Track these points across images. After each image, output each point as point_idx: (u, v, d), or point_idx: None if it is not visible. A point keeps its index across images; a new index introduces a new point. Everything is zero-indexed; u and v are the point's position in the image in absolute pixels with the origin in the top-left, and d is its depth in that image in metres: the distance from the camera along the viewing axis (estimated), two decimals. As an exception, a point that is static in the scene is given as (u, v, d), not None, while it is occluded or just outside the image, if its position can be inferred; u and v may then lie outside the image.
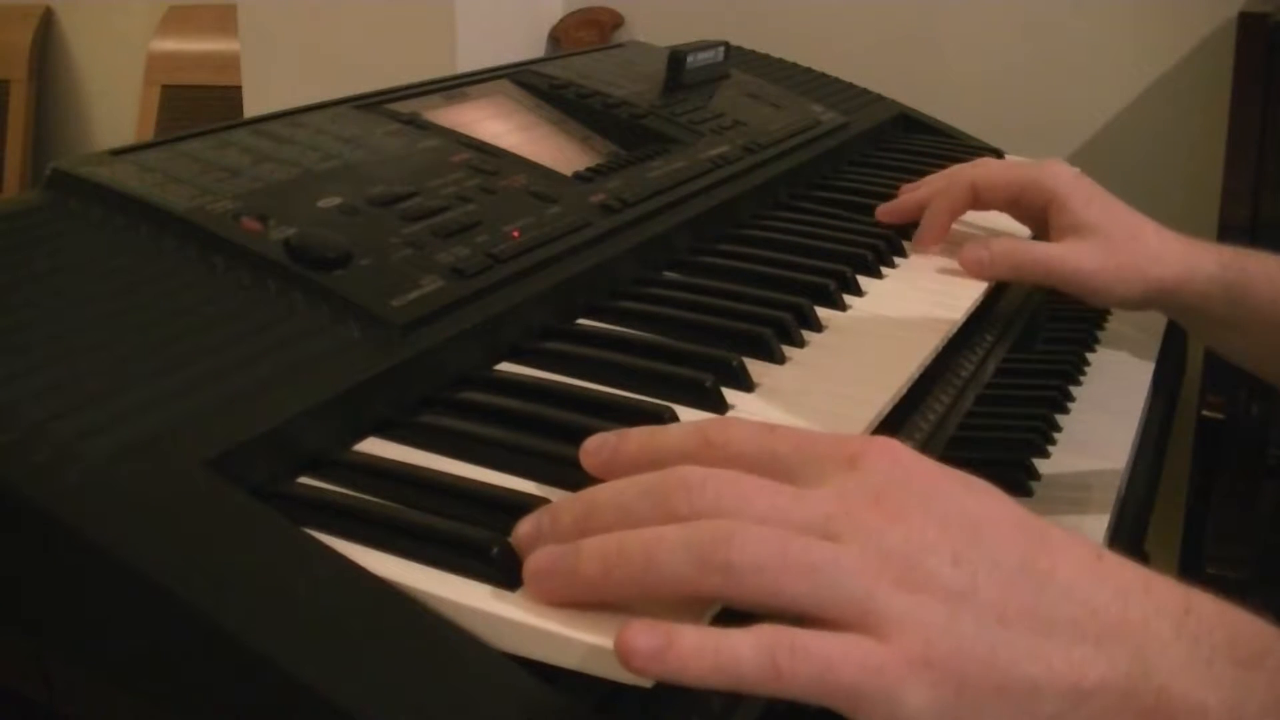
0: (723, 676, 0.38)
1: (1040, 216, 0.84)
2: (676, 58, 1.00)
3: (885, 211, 0.88)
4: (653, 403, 0.56)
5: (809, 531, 0.40)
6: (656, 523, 0.41)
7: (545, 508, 0.45)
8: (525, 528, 0.44)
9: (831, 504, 0.41)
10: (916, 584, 0.39)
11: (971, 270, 0.80)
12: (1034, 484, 0.88)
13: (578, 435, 0.48)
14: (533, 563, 0.42)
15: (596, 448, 0.47)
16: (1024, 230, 0.89)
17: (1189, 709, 0.39)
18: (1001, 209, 0.87)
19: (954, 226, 0.86)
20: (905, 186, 0.90)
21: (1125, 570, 0.41)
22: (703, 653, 0.38)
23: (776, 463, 0.44)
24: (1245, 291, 0.78)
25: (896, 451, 0.44)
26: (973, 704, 0.38)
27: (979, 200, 0.85)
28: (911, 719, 0.38)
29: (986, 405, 0.94)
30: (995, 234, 0.88)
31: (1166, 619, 0.40)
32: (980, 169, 0.87)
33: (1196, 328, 0.88)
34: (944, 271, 0.81)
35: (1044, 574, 0.40)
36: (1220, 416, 1.13)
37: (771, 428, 0.46)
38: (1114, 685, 0.39)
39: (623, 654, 0.38)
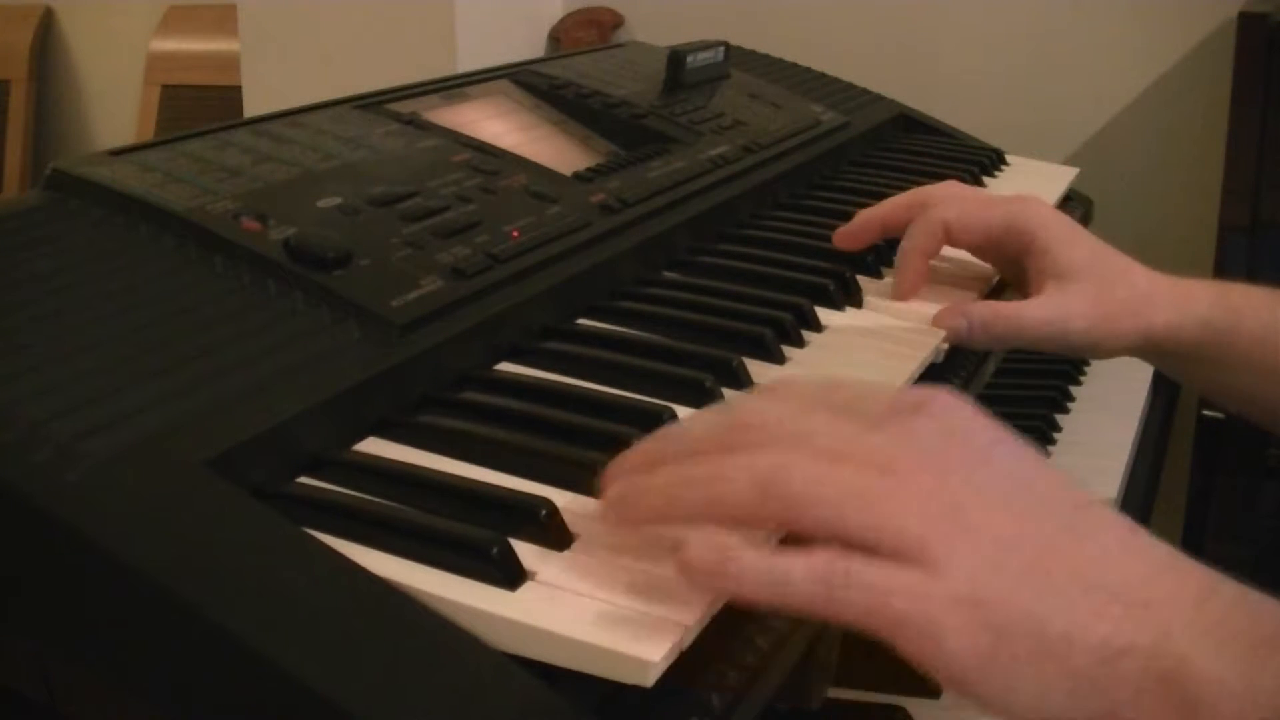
0: (775, 596, 0.41)
1: (1018, 260, 0.76)
2: (676, 58, 1.00)
3: (842, 236, 0.78)
4: (653, 403, 0.56)
5: (869, 466, 0.42)
6: (724, 453, 0.43)
7: (623, 452, 0.47)
8: (609, 468, 0.47)
9: (893, 442, 0.43)
10: (970, 526, 0.41)
11: (949, 338, 0.71)
12: (1034, 484, 0.88)
13: (578, 435, 0.48)
14: (610, 491, 0.45)
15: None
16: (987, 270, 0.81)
17: (1208, 680, 0.40)
18: (975, 251, 0.79)
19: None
20: (861, 211, 0.80)
21: (1157, 548, 0.43)
22: (758, 570, 0.41)
23: (839, 409, 0.46)
24: (1234, 330, 0.73)
25: (960, 403, 0.46)
26: (1009, 649, 0.40)
27: (951, 240, 0.76)
28: (951, 656, 0.40)
29: (986, 405, 0.94)
30: (964, 273, 0.80)
31: (1190, 597, 0.41)
32: (951, 207, 0.76)
33: (1185, 373, 0.80)
34: (944, 271, 0.81)
35: (1085, 537, 0.42)
36: (1220, 416, 1.13)
37: (834, 383, 0.48)
38: (1141, 649, 0.40)
39: (682, 568, 0.41)
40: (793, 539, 0.42)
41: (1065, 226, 0.75)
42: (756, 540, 0.43)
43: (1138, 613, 0.41)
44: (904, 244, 0.76)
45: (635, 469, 0.46)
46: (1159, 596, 0.41)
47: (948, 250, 0.78)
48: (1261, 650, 0.40)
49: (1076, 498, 0.44)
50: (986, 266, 0.81)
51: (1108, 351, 0.76)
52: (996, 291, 0.81)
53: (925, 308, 0.73)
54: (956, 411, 0.45)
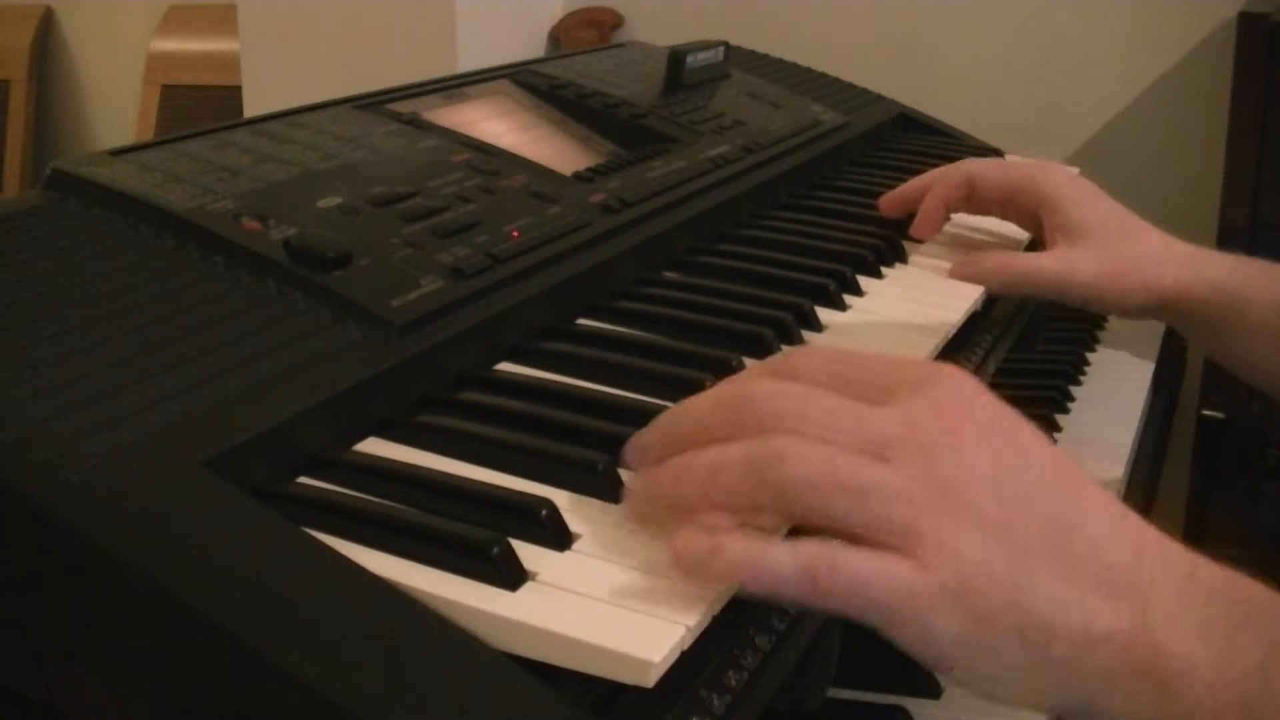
0: (764, 584, 0.41)
1: (1034, 219, 0.83)
2: (676, 58, 1.00)
3: (886, 201, 0.87)
4: (653, 403, 0.56)
5: (864, 452, 0.42)
6: (727, 435, 0.44)
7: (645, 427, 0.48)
8: (628, 446, 0.48)
9: (890, 426, 0.43)
10: (958, 515, 0.42)
11: (961, 278, 0.78)
12: (1034, 484, 0.88)
13: (578, 435, 0.48)
14: (634, 483, 0.47)
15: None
16: (1022, 235, 0.88)
17: (1178, 665, 0.41)
18: (995, 208, 0.85)
19: (953, 231, 0.86)
20: (907, 183, 0.89)
21: (1144, 531, 0.44)
22: (746, 559, 0.41)
23: (844, 383, 0.46)
24: (1248, 300, 0.76)
25: (963, 379, 0.46)
26: (993, 637, 0.41)
27: (974, 193, 0.83)
28: (937, 643, 0.41)
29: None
30: (989, 242, 0.87)
31: (1172, 580, 0.42)
32: (979, 164, 0.86)
33: (1197, 335, 0.86)
34: (944, 272, 0.81)
35: (1074, 525, 0.43)
36: (1220, 416, 1.13)
37: (845, 354, 0.48)
38: (1118, 637, 0.41)
39: (674, 556, 0.42)
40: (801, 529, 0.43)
41: (1081, 188, 0.81)
42: (754, 530, 0.43)
43: (1119, 599, 0.41)
44: (931, 189, 0.83)
45: (647, 451, 0.47)
46: (1141, 581, 0.42)
47: (981, 221, 0.87)
48: (1234, 631, 0.41)
49: (1069, 478, 0.44)
50: (1014, 238, 0.87)
51: (1117, 307, 0.80)
52: None
53: (925, 308, 0.74)
54: (959, 389, 0.45)
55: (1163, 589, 0.42)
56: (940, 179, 0.84)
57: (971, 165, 0.85)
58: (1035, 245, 0.88)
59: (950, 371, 0.46)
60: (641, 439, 0.48)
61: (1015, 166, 0.86)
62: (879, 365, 0.47)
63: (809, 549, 0.41)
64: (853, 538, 0.42)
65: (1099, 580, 0.42)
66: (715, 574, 0.42)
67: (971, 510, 0.42)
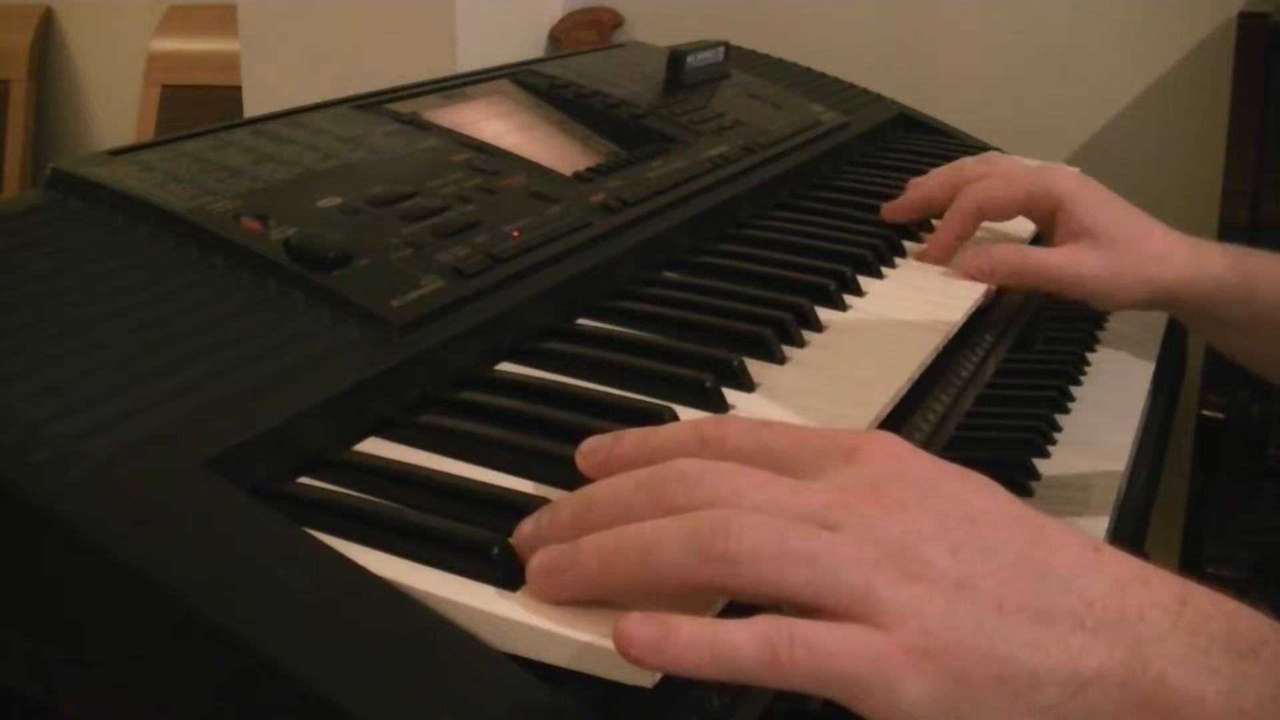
0: (721, 667, 0.39)
1: (1048, 222, 0.84)
2: (676, 58, 1.00)
3: (889, 209, 0.87)
4: (653, 403, 0.56)
5: (807, 521, 0.40)
6: (654, 516, 0.41)
7: (545, 507, 0.45)
8: (526, 528, 0.44)
9: (829, 495, 0.41)
10: (915, 574, 0.40)
11: (972, 277, 0.80)
12: (1034, 484, 0.88)
13: (578, 435, 0.48)
14: (534, 562, 0.42)
15: (592, 449, 0.47)
16: (1024, 230, 0.89)
17: (1187, 699, 0.39)
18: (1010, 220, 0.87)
19: None
20: (911, 182, 0.89)
21: (1122, 562, 0.42)
22: (700, 643, 0.38)
23: (773, 457, 0.44)
24: (1251, 293, 0.78)
25: (893, 445, 0.44)
26: (972, 694, 0.39)
27: (986, 218, 0.84)
28: (910, 709, 0.38)
29: (986, 405, 0.94)
30: (998, 237, 0.88)
31: (1163, 610, 0.40)
32: (985, 188, 0.84)
33: (1200, 327, 0.88)
34: (944, 272, 0.81)
35: (1041, 565, 0.40)
36: (1220, 416, 1.13)
37: (767, 424, 0.46)
38: (1111, 675, 0.39)
39: (621, 644, 0.38)
40: (735, 608, 0.41)
41: (1089, 190, 0.83)
42: (697, 608, 0.41)
43: (1106, 634, 0.39)
44: (941, 227, 0.84)
45: (556, 534, 0.43)
46: (1128, 612, 0.40)
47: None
48: (1239, 660, 0.39)
49: (1031, 524, 0.42)
50: (1017, 235, 0.89)
51: (1123, 302, 0.82)
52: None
53: (926, 308, 0.74)
54: (890, 452, 0.43)
55: (1156, 620, 0.40)
56: (950, 215, 0.83)
57: (977, 193, 0.83)
58: (1038, 239, 0.89)
59: (879, 438, 0.44)
60: (541, 525, 0.44)
61: (1019, 181, 0.84)
62: (806, 437, 0.45)
63: (764, 624, 0.39)
64: (804, 611, 0.39)
65: (1078, 618, 0.39)
66: (667, 660, 0.39)
67: (927, 567, 0.40)
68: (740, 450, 0.44)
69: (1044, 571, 0.40)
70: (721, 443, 0.45)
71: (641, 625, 0.39)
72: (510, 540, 0.44)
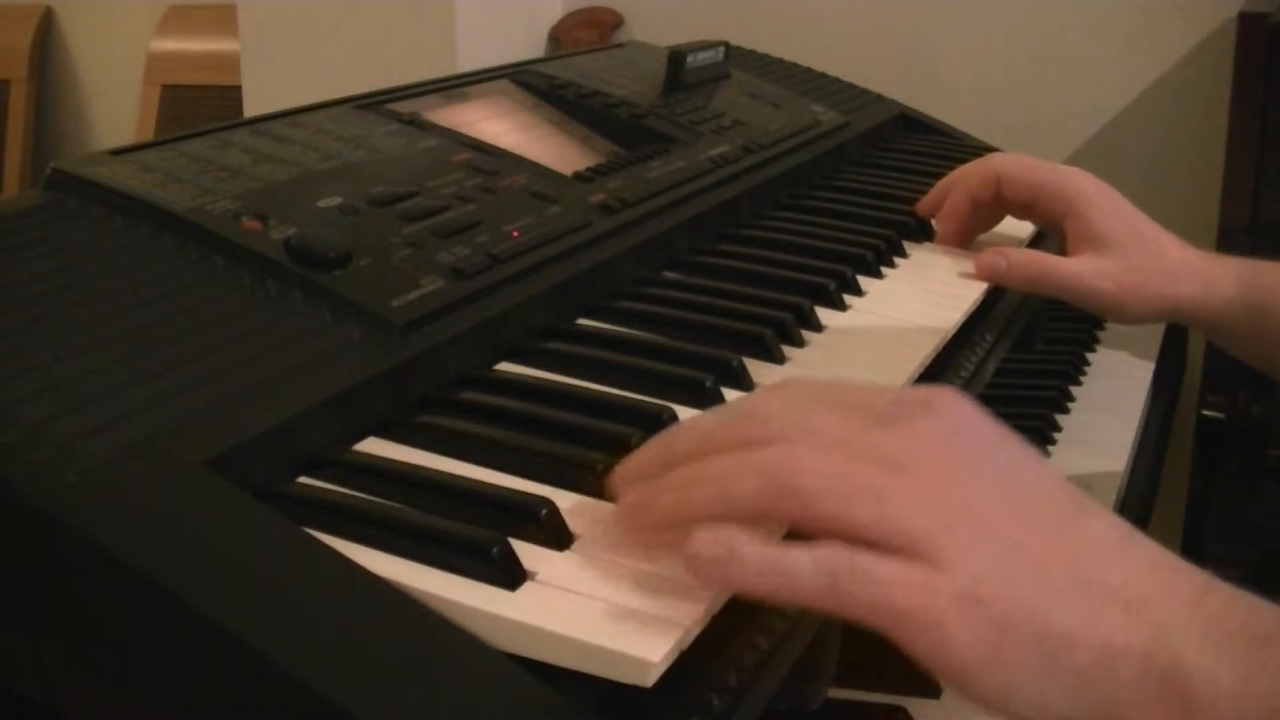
0: (782, 589, 0.41)
1: (1056, 223, 0.84)
2: (676, 58, 1.00)
3: (921, 205, 0.88)
4: (653, 403, 0.56)
5: (877, 462, 0.43)
6: (730, 449, 0.44)
7: (634, 451, 0.48)
8: (618, 471, 0.47)
9: (900, 440, 0.44)
10: (974, 525, 0.42)
11: (985, 275, 0.79)
12: (1034, 484, 0.88)
13: (578, 435, 0.48)
14: (624, 500, 0.46)
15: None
16: (1023, 232, 0.88)
17: (1203, 679, 0.40)
18: (1018, 209, 0.86)
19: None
20: (941, 183, 0.89)
21: (1153, 549, 0.44)
22: (764, 563, 0.41)
23: (848, 406, 0.46)
24: (1265, 309, 0.78)
25: (962, 402, 0.46)
26: (1013, 646, 0.40)
27: (1001, 190, 0.84)
28: (954, 651, 0.40)
29: (987, 405, 0.94)
30: (998, 238, 0.87)
31: (1186, 597, 0.42)
32: (1008, 160, 0.85)
33: (1218, 341, 0.87)
34: (944, 272, 0.81)
35: (1084, 538, 0.43)
36: (1220, 416, 1.13)
37: (842, 383, 0.49)
38: (1138, 648, 0.40)
39: (689, 560, 0.41)
40: (797, 535, 0.43)
41: (1106, 196, 0.82)
42: (763, 535, 0.43)
43: (1135, 611, 0.41)
44: (959, 181, 0.84)
45: (646, 471, 0.46)
46: (1156, 595, 0.42)
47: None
48: (1257, 649, 0.41)
49: (1075, 498, 0.45)
50: (1015, 236, 0.88)
51: (1134, 317, 0.81)
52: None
53: (926, 308, 0.74)
54: (960, 410, 0.46)
55: (1179, 605, 0.42)
56: (969, 172, 0.85)
57: (1001, 161, 0.85)
58: (1037, 241, 0.89)
59: (949, 395, 0.46)
60: (641, 455, 0.48)
61: (1042, 169, 0.85)
62: (877, 391, 0.47)
63: (827, 552, 0.41)
64: (867, 546, 0.41)
65: (1115, 592, 0.41)
66: (733, 578, 0.42)
67: (986, 523, 0.42)
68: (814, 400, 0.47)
69: (1086, 544, 0.43)
70: (793, 394, 0.48)
71: (709, 543, 0.41)
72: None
